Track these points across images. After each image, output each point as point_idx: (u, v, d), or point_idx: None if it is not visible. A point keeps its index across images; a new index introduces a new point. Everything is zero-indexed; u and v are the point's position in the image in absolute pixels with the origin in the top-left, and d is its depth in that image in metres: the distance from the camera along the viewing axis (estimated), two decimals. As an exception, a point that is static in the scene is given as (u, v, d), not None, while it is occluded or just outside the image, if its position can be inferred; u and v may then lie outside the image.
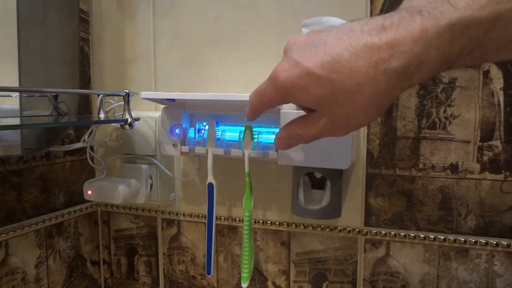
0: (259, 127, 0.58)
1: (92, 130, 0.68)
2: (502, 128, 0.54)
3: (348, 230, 0.62)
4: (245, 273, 0.59)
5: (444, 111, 0.56)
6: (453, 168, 0.57)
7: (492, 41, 0.26)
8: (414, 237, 0.59)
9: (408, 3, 0.29)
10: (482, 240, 0.56)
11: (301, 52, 0.32)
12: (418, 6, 0.28)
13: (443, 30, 0.26)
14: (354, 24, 0.30)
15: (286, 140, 0.37)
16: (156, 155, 0.67)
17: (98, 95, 0.60)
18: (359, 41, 0.29)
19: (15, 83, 0.55)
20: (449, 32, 0.26)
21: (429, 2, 0.27)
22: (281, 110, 0.53)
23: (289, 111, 0.55)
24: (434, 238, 0.58)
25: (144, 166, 0.67)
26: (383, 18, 0.29)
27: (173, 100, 0.58)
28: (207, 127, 0.58)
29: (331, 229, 0.63)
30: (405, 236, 0.60)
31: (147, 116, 0.68)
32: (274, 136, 0.56)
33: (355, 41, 0.29)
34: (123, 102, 0.58)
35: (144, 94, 0.56)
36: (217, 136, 0.58)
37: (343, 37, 0.30)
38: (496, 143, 0.55)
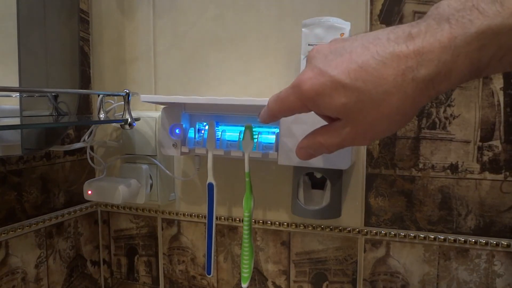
0: (259, 127, 0.58)
1: (92, 130, 0.68)
2: (502, 128, 0.54)
3: (348, 230, 0.62)
4: (245, 273, 0.59)
5: (444, 111, 0.56)
6: (453, 168, 0.57)
7: None
8: (414, 237, 0.59)
9: (435, 10, 0.28)
10: (482, 240, 0.56)
11: (326, 60, 0.31)
12: (445, 14, 0.27)
13: (472, 38, 0.26)
14: (379, 33, 0.30)
15: (308, 150, 0.37)
16: (156, 155, 0.67)
17: (98, 95, 0.60)
18: (386, 49, 0.29)
19: (15, 83, 0.55)
20: (479, 40, 0.26)
21: (457, 10, 0.27)
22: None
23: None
24: (434, 238, 0.58)
25: (144, 166, 0.67)
26: (409, 26, 0.29)
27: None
28: (207, 127, 0.58)
29: (331, 229, 0.63)
30: (405, 236, 0.60)
31: (147, 116, 0.68)
32: (274, 136, 0.56)
33: (382, 49, 0.29)
34: (123, 102, 0.58)
35: (144, 97, 0.56)
36: (217, 136, 0.58)
37: (369, 45, 0.30)
38: (496, 143, 0.55)
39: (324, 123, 0.35)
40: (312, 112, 0.35)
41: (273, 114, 0.37)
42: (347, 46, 0.31)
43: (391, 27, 0.30)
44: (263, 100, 0.47)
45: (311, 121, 0.51)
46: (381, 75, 0.28)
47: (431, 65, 0.27)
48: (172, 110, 0.60)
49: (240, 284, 0.59)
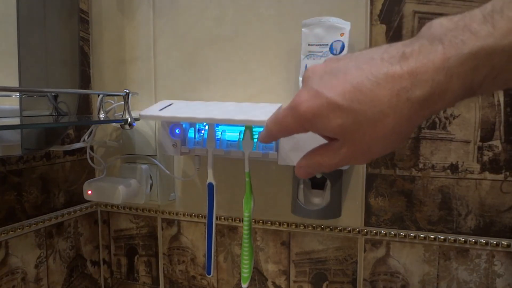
0: (259, 127, 0.57)
1: (92, 130, 0.68)
2: (502, 128, 0.54)
3: (348, 230, 0.62)
4: (245, 273, 0.59)
5: (444, 111, 0.56)
6: (453, 168, 0.57)
7: None
8: (414, 237, 0.59)
9: (428, 31, 0.29)
10: (482, 240, 0.56)
11: (321, 82, 0.32)
12: (438, 33, 0.28)
13: (465, 59, 0.26)
14: (373, 52, 0.30)
15: (307, 169, 0.37)
16: (156, 155, 0.67)
17: (98, 95, 0.60)
18: (380, 70, 0.29)
19: (15, 83, 0.55)
20: (472, 61, 0.26)
21: (449, 30, 0.27)
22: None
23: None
24: (434, 238, 0.58)
25: (144, 166, 0.67)
26: (403, 46, 0.29)
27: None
28: (207, 127, 0.58)
29: (331, 229, 0.63)
30: (405, 236, 0.60)
31: (147, 116, 0.68)
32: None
33: (376, 70, 0.29)
34: (123, 102, 0.58)
35: (144, 115, 0.56)
36: (217, 136, 0.58)
37: (363, 65, 0.30)
38: (496, 143, 0.55)
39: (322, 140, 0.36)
40: None
41: (272, 135, 0.37)
42: (342, 67, 0.31)
43: (385, 46, 0.30)
44: (263, 120, 0.47)
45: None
46: (376, 96, 0.29)
47: (426, 85, 0.28)
48: (172, 102, 0.60)
49: (240, 284, 0.59)
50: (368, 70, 0.29)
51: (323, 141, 0.36)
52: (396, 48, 0.29)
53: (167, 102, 0.59)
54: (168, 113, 0.54)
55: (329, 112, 0.30)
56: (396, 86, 0.28)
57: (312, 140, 0.53)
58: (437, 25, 0.28)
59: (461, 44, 0.26)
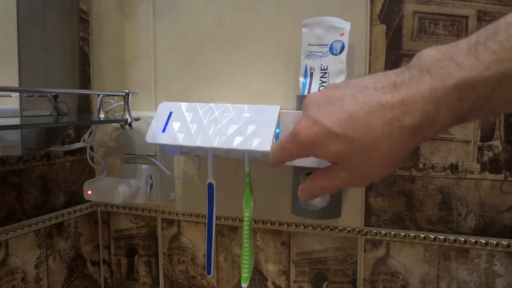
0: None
1: (92, 130, 0.68)
2: (502, 128, 0.54)
3: (348, 230, 0.62)
4: (245, 273, 0.59)
5: (444, 111, 0.56)
6: (453, 168, 0.57)
7: (501, 97, 0.27)
8: (414, 237, 0.59)
9: (417, 61, 0.30)
10: (482, 240, 0.56)
11: (319, 110, 0.33)
12: (426, 64, 0.29)
13: (451, 89, 0.27)
14: (367, 81, 0.32)
15: (310, 192, 0.39)
16: (156, 155, 0.67)
17: (98, 95, 0.60)
18: (373, 99, 0.30)
19: (15, 83, 0.55)
20: (457, 92, 0.27)
21: (437, 60, 0.28)
22: (280, 111, 0.53)
23: (289, 111, 0.55)
24: (434, 238, 0.58)
25: (144, 166, 0.67)
26: (394, 75, 0.30)
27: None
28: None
29: (331, 229, 0.63)
30: (405, 236, 0.60)
31: (147, 116, 0.68)
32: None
33: (369, 99, 0.30)
34: (123, 102, 0.58)
35: (149, 139, 0.56)
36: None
37: (358, 94, 0.31)
38: (496, 143, 0.55)
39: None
40: None
41: (278, 161, 0.40)
42: (338, 95, 0.33)
43: (379, 74, 0.32)
44: (266, 151, 0.49)
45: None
46: (369, 124, 0.30)
47: (415, 115, 0.29)
48: (172, 110, 0.60)
49: (240, 284, 0.59)
50: (362, 99, 0.31)
51: None
52: (388, 77, 0.30)
53: (167, 108, 0.58)
54: (169, 140, 0.54)
55: (327, 140, 0.32)
56: (388, 115, 0.30)
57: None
58: (426, 55, 0.29)
59: (447, 76, 0.27)
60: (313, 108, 0.34)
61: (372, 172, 0.33)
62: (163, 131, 0.55)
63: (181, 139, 0.53)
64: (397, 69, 0.31)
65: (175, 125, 0.55)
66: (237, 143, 0.50)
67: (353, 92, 0.32)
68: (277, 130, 0.55)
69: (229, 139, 0.51)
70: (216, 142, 0.51)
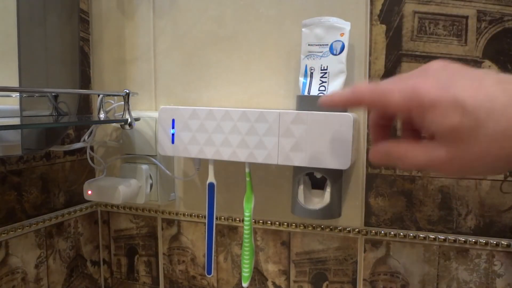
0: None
1: (92, 130, 0.68)
2: (502, 128, 0.54)
3: (348, 230, 0.62)
4: (246, 273, 0.59)
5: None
6: (453, 168, 0.57)
7: None
8: (414, 237, 0.59)
9: None
10: (482, 240, 0.56)
11: (453, 79, 0.30)
12: None
13: None
14: (500, 74, 0.29)
15: (384, 155, 0.35)
16: (156, 155, 0.67)
17: (98, 95, 0.60)
18: None
19: (15, 83, 0.55)
20: None
21: None
22: (280, 112, 0.53)
23: (289, 111, 0.55)
24: (434, 238, 0.58)
25: (144, 166, 0.67)
26: None
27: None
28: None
29: (331, 229, 0.63)
30: (405, 236, 0.60)
31: (147, 116, 0.68)
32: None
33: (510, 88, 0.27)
34: (123, 102, 0.58)
35: (161, 151, 0.59)
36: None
37: (501, 80, 0.28)
38: (496, 143, 0.55)
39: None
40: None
41: (356, 99, 0.34)
42: (477, 74, 0.30)
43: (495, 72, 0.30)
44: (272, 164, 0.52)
45: (311, 121, 0.51)
46: (508, 113, 0.27)
47: None
48: (173, 117, 0.60)
49: (240, 284, 0.59)
50: (501, 87, 0.28)
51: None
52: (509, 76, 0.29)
53: (168, 114, 0.58)
54: (181, 152, 0.57)
55: (450, 109, 0.28)
56: None
57: (312, 140, 0.53)
58: None
59: None
60: (445, 74, 0.30)
61: (473, 165, 0.29)
62: (172, 142, 0.57)
63: (193, 153, 0.56)
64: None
65: (183, 137, 0.56)
66: (244, 156, 0.54)
67: (491, 77, 0.29)
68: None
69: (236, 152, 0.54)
70: (228, 156, 0.54)
